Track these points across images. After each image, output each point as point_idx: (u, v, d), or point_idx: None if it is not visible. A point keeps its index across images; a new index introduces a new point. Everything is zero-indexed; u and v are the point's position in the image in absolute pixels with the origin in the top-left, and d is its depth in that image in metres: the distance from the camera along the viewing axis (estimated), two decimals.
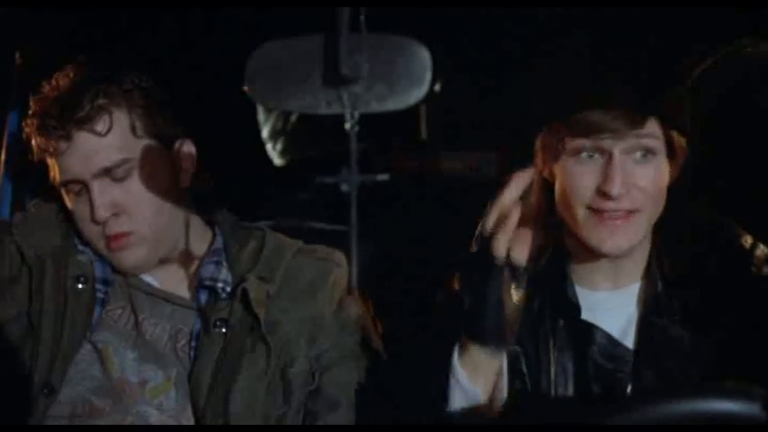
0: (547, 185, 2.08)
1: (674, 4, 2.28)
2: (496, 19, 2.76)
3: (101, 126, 2.08)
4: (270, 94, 1.42)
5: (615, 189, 1.94)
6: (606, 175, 1.94)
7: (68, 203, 2.14)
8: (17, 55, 2.56)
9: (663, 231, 2.07)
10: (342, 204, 1.42)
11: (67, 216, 2.20)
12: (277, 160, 3.56)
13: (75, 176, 2.10)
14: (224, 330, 2.14)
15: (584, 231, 1.99)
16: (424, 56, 1.39)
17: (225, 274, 2.18)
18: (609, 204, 1.96)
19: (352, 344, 2.21)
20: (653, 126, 1.97)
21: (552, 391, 2.02)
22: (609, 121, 1.94)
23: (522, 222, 1.95)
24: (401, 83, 1.38)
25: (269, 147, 3.56)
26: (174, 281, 2.20)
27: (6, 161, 2.54)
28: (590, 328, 2.04)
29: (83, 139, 2.08)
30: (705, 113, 2.21)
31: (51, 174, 2.13)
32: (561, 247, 2.10)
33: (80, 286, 2.15)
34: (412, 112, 2.85)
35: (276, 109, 3.14)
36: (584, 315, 2.06)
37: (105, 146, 2.08)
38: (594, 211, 1.97)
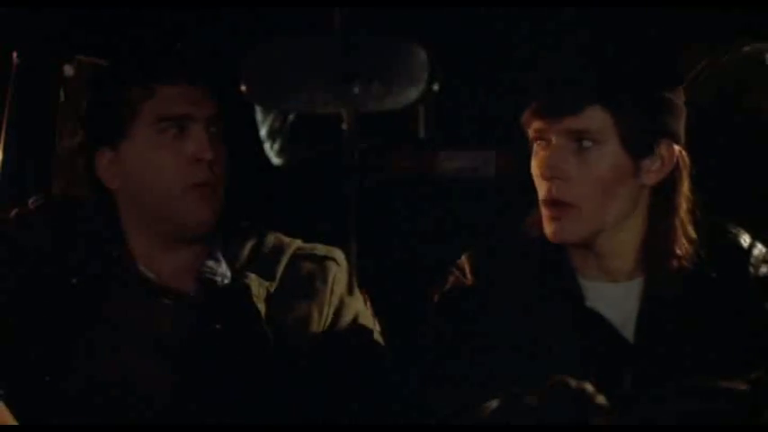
0: None
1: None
2: (495, 18, 2.76)
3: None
4: (267, 94, 1.42)
5: (540, 170, 1.98)
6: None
7: (153, 147, 2.14)
8: (14, 55, 2.56)
9: (662, 229, 2.07)
10: (341, 204, 1.42)
11: (68, 213, 2.21)
12: (275, 160, 3.55)
13: (187, 113, 2.14)
14: (224, 325, 2.14)
15: (544, 220, 2.02)
16: (421, 55, 1.40)
17: (224, 268, 2.18)
18: (545, 192, 1.99)
19: (353, 342, 2.21)
20: (594, 112, 1.98)
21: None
22: (546, 105, 1.98)
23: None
24: (399, 82, 1.38)
25: (267, 146, 3.55)
26: (173, 276, 2.20)
27: (5, 159, 2.54)
28: (593, 315, 2.04)
29: (191, 88, 2.17)
30: (703, 114, 2.21)
31: (138, 116, 2.14)
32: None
33: (79, 281, 2.15)
34: (410, 111, 2.84)
35: (274, 109, 3.14)
36: (587, 305, 2.06)
37: (209, 98, 2.18)
38: (543, 201, 2.00)
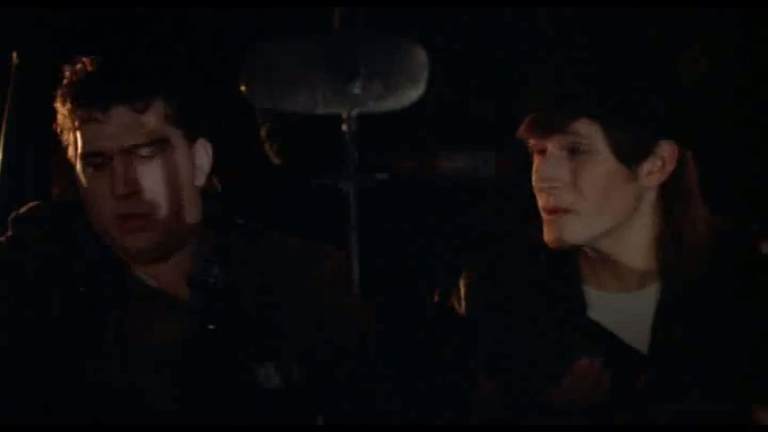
0: None
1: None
2: (495, 18, 2.77)
3: (139, 104, 2.10)
4: (267, 94, 1.42)
5: (537, 183, 2.03)
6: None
7: (83, 181, 2.13)
8: (14, 55, 2.56)
9: (677, 235, 2.06)
10: (341, 204, 1.42)
11: (71, 214, 2.21)
12: (275, 159, 3.55)
13: (102, 149, 2.10)
14: (218, 328, 2.14)
15: (544, 228, 2.04)
16: (421, 55, 1.40)
17: (216, 270, 2.18)
18: (544, 201, 2.03)
19: (351, 343, 2.21)
20: (582, 126, 2.00)
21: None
22: (536, 123, 2.02)
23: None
24: (398, 82, 1.39)
25: (267, 146, 3.55)
26: (169, 279, 2.20)
27: (5, 159, 2.54)
28: (596, 327, 2.04)
29: (120, 112, 2.09)
30: (706, 116, 2.21)
31: (72, 147, 2.13)
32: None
33: (81, 283, 2.16)
34: (410, 111, 2.85)
35: (273, 109, 3.14)
36: (594, 315, 2.05)
37: (139, 123, 2.10)
38: (542, 209, 2.04)
